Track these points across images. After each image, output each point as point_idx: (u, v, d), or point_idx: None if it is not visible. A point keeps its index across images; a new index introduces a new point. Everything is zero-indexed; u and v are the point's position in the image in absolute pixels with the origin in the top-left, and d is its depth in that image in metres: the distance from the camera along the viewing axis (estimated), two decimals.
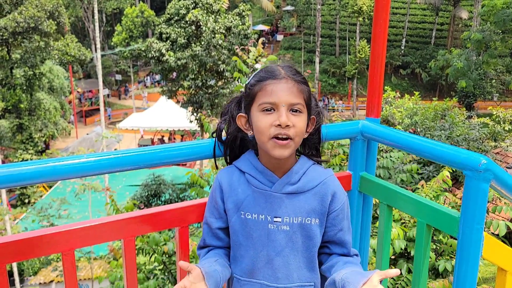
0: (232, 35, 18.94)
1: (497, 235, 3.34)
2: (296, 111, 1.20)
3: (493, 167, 1.22)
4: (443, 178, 3.79)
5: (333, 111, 30.17)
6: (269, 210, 1.24)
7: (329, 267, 1.27)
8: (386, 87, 16.31)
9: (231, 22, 18.88)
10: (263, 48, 5.39)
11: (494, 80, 26.46)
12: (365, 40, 31.87)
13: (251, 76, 1.27)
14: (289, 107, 1.19)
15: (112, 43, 33.96)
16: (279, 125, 1.17)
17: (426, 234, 1.41)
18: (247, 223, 1.25)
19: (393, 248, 3.05)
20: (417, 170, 4.56)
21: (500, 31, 22.07)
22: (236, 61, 4.25)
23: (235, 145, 1.35)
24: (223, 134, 1.36)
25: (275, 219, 1.24)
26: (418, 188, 4.18)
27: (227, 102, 1.36)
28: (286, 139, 1.18)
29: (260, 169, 1.26)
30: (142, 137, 26.01)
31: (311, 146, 1.34)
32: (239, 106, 1.32)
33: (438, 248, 3.55)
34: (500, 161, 10.95)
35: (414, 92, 15.69)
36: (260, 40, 4.75)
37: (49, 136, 23.74)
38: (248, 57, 4.37)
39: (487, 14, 21.38)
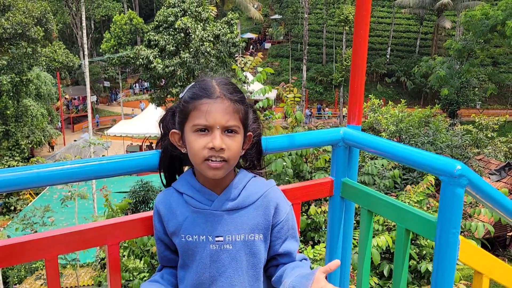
0: (221, 43, 19.03)
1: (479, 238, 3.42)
2: (231, 131, 1.15)
3: (468, 172, 1.25)
4: (427, 183, 3.87)
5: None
6: (210, 230, 1.19)
7: (279, 278, 1.24)
8: (371, 95, 16.54)
9: (220, 30, 18.98)
10: (251, 55, 5.47)
11: (476, 88, 26.99)
12: (352, 49, 32.26)
13: (185, 90, 1.21)
14: (223, 129, 1.14)
15: (101, 50, 33.77)
16: (212, 147, 1.12)
17: (405, 239, 1.44)
18: (189, 246, 1.21)
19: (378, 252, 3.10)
20: (400, 176, 4.66)
21: (482, 40, 22.57)
22: (232, 68, 4.34)
23: (172, 162, 1.30)
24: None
25: (216, 239, 1.19)
26: (403, 194, 4.26)
27: (162, 114, 1.29)
28: (220, 161, 1.14)
29: (197, 188, 1.22)
30: (131, 144, 25.82)
31: (249, 160, 1.31)
32: (174, 119, 1.24)
33: (420, 251, 3.61)
34: (483, 167, 11.14)
35: (401, 100, 15.92)
36: (259, 54, 4.81)
37: (36, 142, 23.44)
38: (245, 65, 4.45)
39: (467, 24, 21.89)
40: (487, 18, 21.14)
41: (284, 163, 3.69)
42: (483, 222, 3.29)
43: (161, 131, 1.29)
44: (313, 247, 3.26)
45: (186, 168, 1.35)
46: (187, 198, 1.22)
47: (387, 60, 36.76)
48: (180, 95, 1.23)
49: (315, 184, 1.69)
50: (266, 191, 1.24)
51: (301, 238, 3.93)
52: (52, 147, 27.50)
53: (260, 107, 4.34)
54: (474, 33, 21.98)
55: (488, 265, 1.47)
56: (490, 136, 15.42)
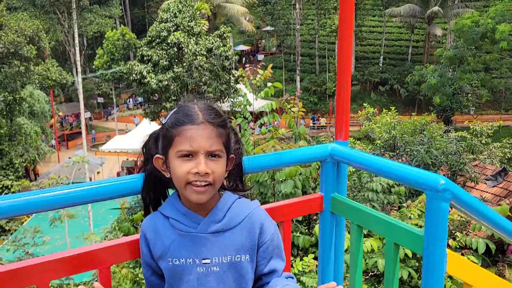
0: (214, 56, 19.15)
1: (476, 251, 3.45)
2: (215, 156, 1.17)
3: (452, 186, 1.28)
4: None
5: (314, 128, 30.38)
6: (196, 252, 1.20)
7: None
8: (365, 103, 16.65)
9: (212, 43, 19.11)
10: (244, 68, 5.48)
11: (470, 94, 27.19)
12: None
13: (168, 116, 1.23)
14: (207, 153, 1.16)
15: (94, 66, 33.87)
16: (197, 173, 1.14)
17: (395, 252, 1.46)
18: (176, 269, 1.21)
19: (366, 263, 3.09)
20: (405, 193, 4.63)
21: (473, 47, 22.81)
22: (239, 75, 4.37)
23: (156, 186, 1.31)
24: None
25: (203, 261, 1.20)
26: (404, 207, 4.23)
27: (144, 139, 1.30)
28: (205, 186, 1.16)
29: (183, 211, 1.23)
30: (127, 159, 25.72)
31: (231, 180, 1.33)
32: (157, 144, 1.26)
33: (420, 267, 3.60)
34: (479, 173, 11.18)
35: (392, 108, 16.01)
36: (270, 66, 4.80)
37: (30, 161, 23.30)
38: (255, 78, 4.46)
39: (458, 32, 22.14)
40: (477, 25, 21.43)
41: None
42: (483, 238, 3.34)
43: (144, 156, 1.30)
44: (302, 259, 3.25)
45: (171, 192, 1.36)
46: (173, 221, 1.23)
47: (380, 68, 37.01)
48: (163, 121, 1.25)
49: (305, 201, 1.71)
50: (251, 212, 1.26)
51: (301, 254, 3.89)
52: (36, 175, 26.15)
53: (264, 122, 4.35)
54: (465, 40, 22.26)
55: (477, 277, 1.48)
56: (485, 142, 15.52)
